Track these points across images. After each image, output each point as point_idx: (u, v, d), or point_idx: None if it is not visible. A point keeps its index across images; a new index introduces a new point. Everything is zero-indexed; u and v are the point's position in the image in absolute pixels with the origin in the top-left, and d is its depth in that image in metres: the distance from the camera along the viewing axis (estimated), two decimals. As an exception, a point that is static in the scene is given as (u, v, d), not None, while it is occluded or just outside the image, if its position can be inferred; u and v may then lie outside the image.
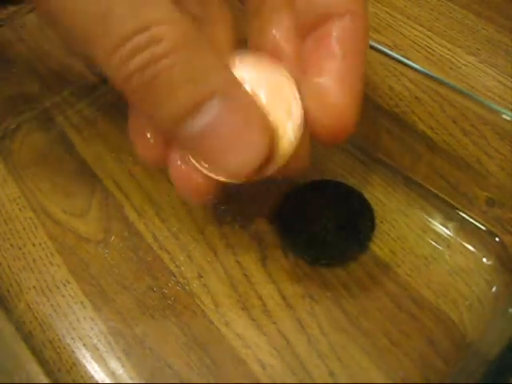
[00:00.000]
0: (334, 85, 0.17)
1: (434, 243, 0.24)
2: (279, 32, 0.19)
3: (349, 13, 0.17)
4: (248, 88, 0.17)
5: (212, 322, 0.22)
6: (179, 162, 0.18)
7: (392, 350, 0.21)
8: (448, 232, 0.24)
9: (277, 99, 0.17)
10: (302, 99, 0.17)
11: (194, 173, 0.17)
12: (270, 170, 0.17)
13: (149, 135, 0.18)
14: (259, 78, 0.17)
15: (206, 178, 0.17)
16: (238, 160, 0.16)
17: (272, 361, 0.21)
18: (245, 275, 0.23)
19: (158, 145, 0.18)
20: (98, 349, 0.22)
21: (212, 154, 0.16)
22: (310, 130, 0.18)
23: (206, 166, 0.17)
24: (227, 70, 0.17)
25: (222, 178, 0.17)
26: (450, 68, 0.31)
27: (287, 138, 0.17)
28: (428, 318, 0.22)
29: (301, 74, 0.18)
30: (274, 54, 0.19)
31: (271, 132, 0.16)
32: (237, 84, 0.16)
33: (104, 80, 0.31)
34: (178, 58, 0.15)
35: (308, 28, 0.18)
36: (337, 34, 0.17)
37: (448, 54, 0.32)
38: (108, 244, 0.25)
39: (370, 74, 0.25)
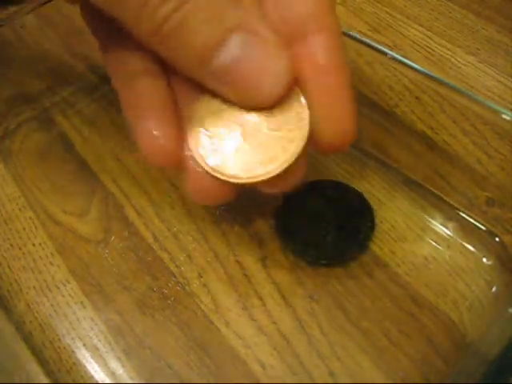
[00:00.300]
0: (329, 101, 0.18)
1: (433, 243, 0.24)
2: None
3: (324, 29, 0.18)
4: None
5: (212, 322, 0.22)
6: (195, 166, 0.19)
7: (392, 350, 0.21)
8: (448, 232, 0.24)
9: (287, 107, 0.18)
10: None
11: (210, 177, 0.18)
12: (279, 169, 0.18)
13: (159, 138, 0.19)
14: None
15: (221, 182, 0.18)
16: (264, 86, 0.17)
17: (272, 361, 0.21)
18: (245, 275, 0.23)
19: (170, 145, 0.19)
20: (97, 349, 0.22)
21: (239, 84, 0.18)
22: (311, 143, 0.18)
23: (235, 97, 0.18)
24: (243, 7, 0.18)
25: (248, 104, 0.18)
26: (450, 68, 0.31)
27: (298, 140, 0.18)
28: (428, 318, 0.22)
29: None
30: None
31: (289, 58, 0.18)
32: (252, 19, 0.17)
33: (104, 80, 0.31)
34: (198, 1, 0.16)
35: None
36: (317, 51, 0.18)
37: (448, 54, 0.32)
38: (108, 244, 0.25)
39: (370, 74, 0.25)
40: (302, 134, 0.18)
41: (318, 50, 0.18)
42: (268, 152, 0.18)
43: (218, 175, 0.18)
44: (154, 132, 0.19)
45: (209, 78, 0.18)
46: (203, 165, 0.19)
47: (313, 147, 0.19)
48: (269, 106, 0.18)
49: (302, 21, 0.18)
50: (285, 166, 0.18)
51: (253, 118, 0.19)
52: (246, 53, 0.17)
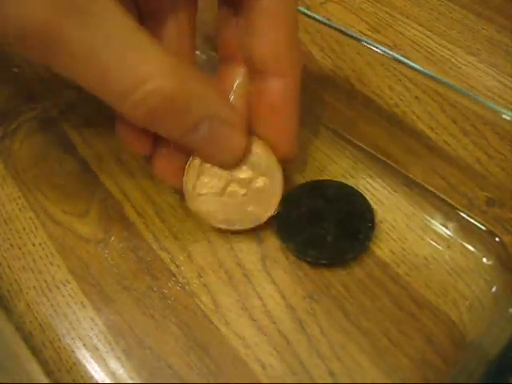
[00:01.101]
0: (277, 136, 0.22)
1: (433, 243, 0.24)
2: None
3: (282, 73, 0.21)
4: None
5: (212, 322, 0.22)
6: (160, 155, 0.23)
7: (392, 350, 0.21)
8: (448, 232, 0.24)
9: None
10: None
11: (172, 161, 0.23)
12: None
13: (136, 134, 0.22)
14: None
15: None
16: (223, 159, 0.22)
17: (272, 361, 0.21)
18: (245, 275, 0.23)
19: (144, 140, 0.22)
20: (97, 349, 0.22)
21: (204, 154, 0.22)
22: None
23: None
24: (214, 96, 0.20)
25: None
26: (450, 68, 0.31)
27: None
28: (428, 317, 0.22)
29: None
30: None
31: (247, 135, 0.22)
32: (222, 106, 0.20)
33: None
34: (173, 102, 0.18)
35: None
36: (273, 92, 0.21)
37: (448, 54, 0.32)
38: (108, 244, 0.25)
39: (370, 74, 0.25)
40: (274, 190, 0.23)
41: (274, 92, 0.21)
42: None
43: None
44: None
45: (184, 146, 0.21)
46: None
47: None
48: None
49: (264, 62, 0.21)
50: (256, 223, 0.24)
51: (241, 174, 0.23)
52: (213, 135, 0.20)
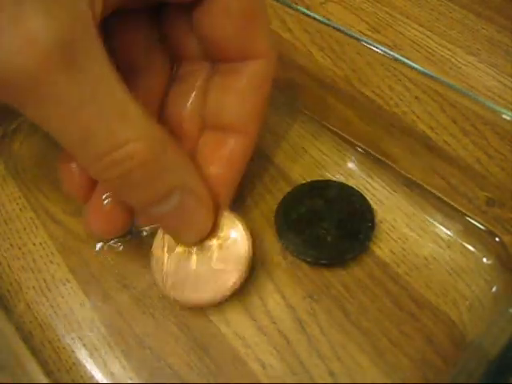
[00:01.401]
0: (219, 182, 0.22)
1: (433, 243, 0.24)
2: (190, 116, 0.23)
3: (244, 133, 0.22)
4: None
5: (212, 322, 0.22)
6: (99, 202, 0.21)
7: (392, 350, 0.21)
8: (448, 232, 0.24)
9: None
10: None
11: (112, 212, 0.22)
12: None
13: (76, 176, 0.21)
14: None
15: (123, 216, 0.22)
16: (188, 234, 0.21)
17: (272, 361, 0.21)
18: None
19: (83, 184, 0.21)
20: (97, 349, 0.22)
21: (170, 227, 0.21)
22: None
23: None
24: (189, 166, 0.20)
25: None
26: (450, 68, 0.31)
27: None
28: (428, 317, 0.22)
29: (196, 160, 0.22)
30: (177, 131, 0.23)
31: (214, 210, 0.21)
32: (191, 179, 0.20)
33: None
34: (148, 168, 0.18)
35: (208, 127, 0.23)
36: (229, 147, 0.22)
37: (448, 54, 0.32)
38: (108, 244, 0.25)
39: (370, 74, 0.25)
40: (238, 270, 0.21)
41: (234, 148, 0.22)
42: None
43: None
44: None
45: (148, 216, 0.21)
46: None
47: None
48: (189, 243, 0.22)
49: (231, 120, 0.22)
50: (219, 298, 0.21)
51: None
52: (182, 207, 0.19)
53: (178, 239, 0.22)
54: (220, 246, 0.22)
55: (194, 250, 0.22)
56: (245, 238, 0.22)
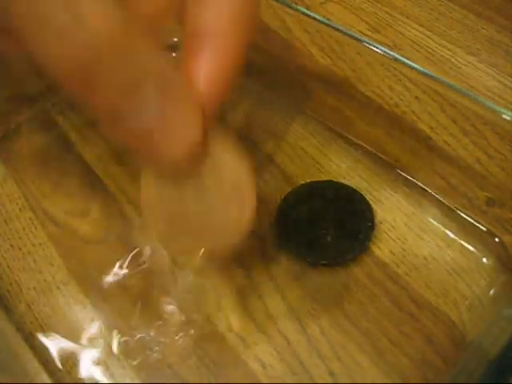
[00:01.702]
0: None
1: (433, 243, 0.24)
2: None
3: (223, 37, 0.19)
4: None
5: (212, 322, 0.22)
6: None
7: (392, 350, 0.21)
8: (448, 232, 0.24)
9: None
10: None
11: None
12: None
13: None
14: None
15: None
16: (174, 141, 0.17)
17: (272, 361, 0.21)
18: (245, 275, 0.23)
19: None
20: (97, 349, 0.22)
21: (148, 141, 0.17)
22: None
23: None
24: (157, 58, 0.17)
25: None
26: (450, 68, 0.31)
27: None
28: (428, 318, 0.22)
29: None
30: None
31: (202, 117, 0.17)
32: (167, 70, 0.17)
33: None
34: (115, 41, 0.15)
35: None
36: (209, 53, 0.19)
37: (448, 54, 0.32)
38: (108, 244, 0.25)
39: (370, 74, 0.25)
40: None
41: (213, 56, 0.19)
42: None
43: None
44: None
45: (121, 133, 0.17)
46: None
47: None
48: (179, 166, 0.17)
49: (208, 23, 0.19)
50: None
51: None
52: (156, 105, 0.16)
53: (160, 159, 0.17)
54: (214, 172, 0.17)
55: (186, 187, 0.18)
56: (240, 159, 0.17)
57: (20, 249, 0.25)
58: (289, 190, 0.25)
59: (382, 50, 0.24)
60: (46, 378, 0.20)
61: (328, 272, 0.23)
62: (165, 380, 0.21)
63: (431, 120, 0.24)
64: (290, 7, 0.27)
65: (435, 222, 0.24)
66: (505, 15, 0.34)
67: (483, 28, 0.33)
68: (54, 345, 0.22)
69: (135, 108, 0.16)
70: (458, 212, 0.25)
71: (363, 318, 0.22)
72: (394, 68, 0.24)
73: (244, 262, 0.24)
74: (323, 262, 0.23)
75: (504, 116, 0.22)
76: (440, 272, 0.23)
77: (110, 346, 0.22)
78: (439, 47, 0.32)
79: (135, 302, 0.23)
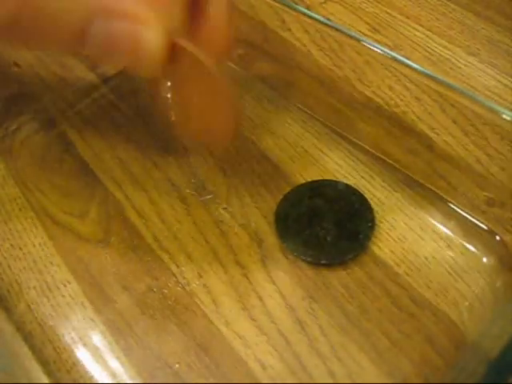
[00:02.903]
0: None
1: (434, 243, 0.24)
2: None
3: None
4: None
5: (212, 322, 0.22)
6: None
7: (392, 350, 0.21)
8: (448, 232, 0.24)
9: None
10: None
11: None
12: None
13: None
14: None
15: None
16: (142, 55, 0.18)
17: (272, 361, 0.21)
18: (245, 275, 0.23)
19: None
20: (97, 349, 0.22)
21: (124, 57, 0.18)
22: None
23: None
24: None
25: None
26: (450, 68, 0.31)
27: None
28: (428, 317, 0.22)
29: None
30: None
31: (156, 23, 0.18)
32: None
33: (104, 80, 0.31)
34: None
35: None
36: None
37: (448, 54, 0.32)
38: (108, 244, 0.25)
39: (370, 74, 0.25)
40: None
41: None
42: None
43: None
44: None
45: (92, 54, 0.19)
46: None
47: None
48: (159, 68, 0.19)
49: None
50: None
51: None
52: (112, 31, 0.17)
53: (139, 64, 0.19)
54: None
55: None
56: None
57: (20, 248, 0.25)
58: (289, 189, 0.25)
59: (381, 50, 0.24)
60: (45, 377, 0.20)
61: (328, 272, 0.23)
62: (165, 380, 0.21)
63: (431, 120, 0.24)
64: (289, 7, 0.27)
65: (435, 222, 0.24)
66: (505, 15, 0.34)
67: (483, 28, 0.33)
68: (54, 344, 0.22)
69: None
70: (458, 212, 0.25)
71: (363, 318, 0.22)
72: (394, 68, 0.24)
73: (244, 261, 0.24)
74: (323, 261, 0.23)
75: (504, 116, 0.22)
76: (440, 272, 0.23)
77: (110, 346, 0.22)
78: (439, 47, 0.32)
79: (135, 302, 0.23)
